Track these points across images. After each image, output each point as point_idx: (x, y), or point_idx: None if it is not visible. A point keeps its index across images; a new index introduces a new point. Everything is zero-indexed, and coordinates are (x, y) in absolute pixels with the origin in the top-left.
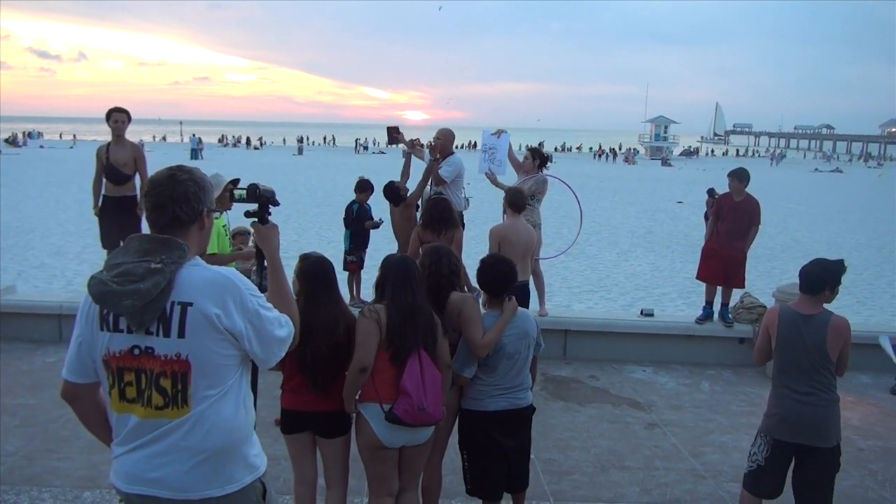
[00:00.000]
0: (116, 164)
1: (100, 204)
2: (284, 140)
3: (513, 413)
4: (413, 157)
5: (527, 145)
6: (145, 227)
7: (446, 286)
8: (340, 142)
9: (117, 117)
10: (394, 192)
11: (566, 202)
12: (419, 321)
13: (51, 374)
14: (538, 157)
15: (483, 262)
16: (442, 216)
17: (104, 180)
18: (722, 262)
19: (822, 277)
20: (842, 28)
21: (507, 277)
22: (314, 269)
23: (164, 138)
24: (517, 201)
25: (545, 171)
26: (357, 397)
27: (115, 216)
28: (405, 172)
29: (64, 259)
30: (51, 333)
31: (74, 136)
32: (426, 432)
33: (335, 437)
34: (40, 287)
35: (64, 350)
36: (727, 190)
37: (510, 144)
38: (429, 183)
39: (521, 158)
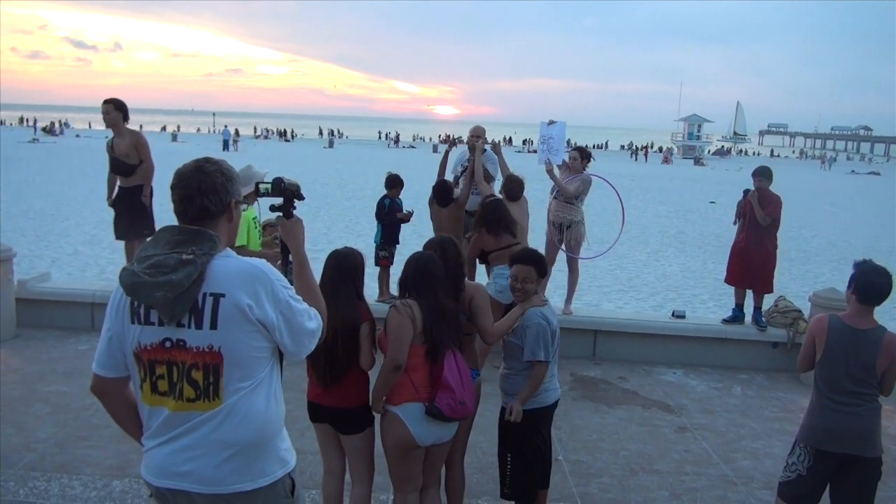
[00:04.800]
0: (119, 156)
1: (115, 196)
2: (320, 131)
3: (556, 404)
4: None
5: (574, 144)
6: (155, 216)
7: (458, 275)
8: (371, 135)
9: (104, 108)
10: (447, 192)
11: (597, 201)
12: (450, 318)
13: (83, 362)
14: (585, 157)
15: (519, 258)
16: (500, 219)
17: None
18: (749, 264)
19: (887, 288)
20: (880, 28)
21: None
22: (329, 263)
23: (197, 130)
24: (511, 190)
25: (589, 171)
26: (384, 400)
27: (125, 207)
28: (443, 170)
29: (98, 247)
30: (83, 321)
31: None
32: (453, 429)
33: (351, 433)
34: (74, 275)
35: (96, 338)
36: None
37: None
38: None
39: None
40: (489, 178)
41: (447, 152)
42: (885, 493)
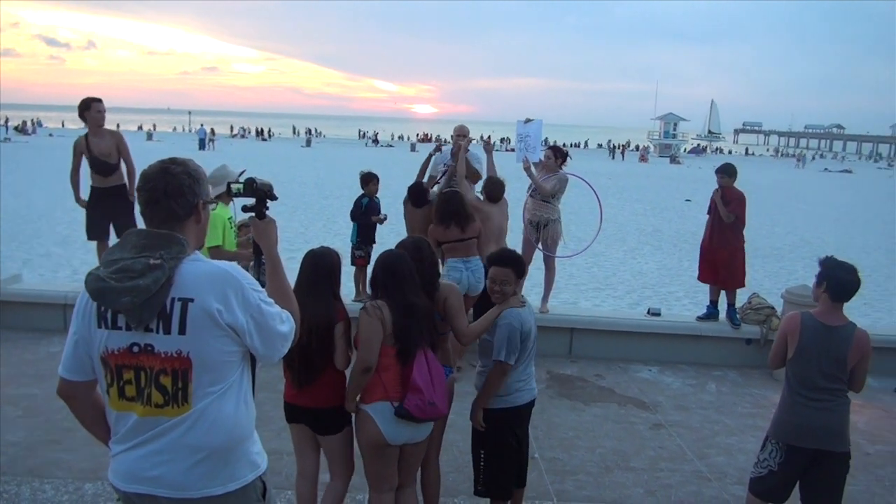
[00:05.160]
0: (101, 155)
1: (84, 195)
2: (294, 129)
3: (531, 405)
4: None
5: (552, 142)
6: (139, 213)
7: (434, 276)
8: (348, 134)
9: (100, 107)
10: (422, 193)
11: (574, 200)
12: (421, 317)
13: (55, 364)
14: (559, 156)
15: (497, 259)
16: (453, 212)
17: (91, 172)
18: (716, 261)
19: (856, 284)
20: (854, 28)
21: (525, 267)
22: (305, 262)
23: (174, 129)
24: (492, 192)
25: (565, 169)
26: (358, 398)
27: (106, 206)
28: (423, 171)
29: (70, 248)
30: (56, 323)
31: (63, 122)
32: (427, 429)
33: (328, 434)
34: (46, 276)
35: None
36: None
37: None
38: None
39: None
40: (476, 177)
41: (431, 155)
42: (855, 488)
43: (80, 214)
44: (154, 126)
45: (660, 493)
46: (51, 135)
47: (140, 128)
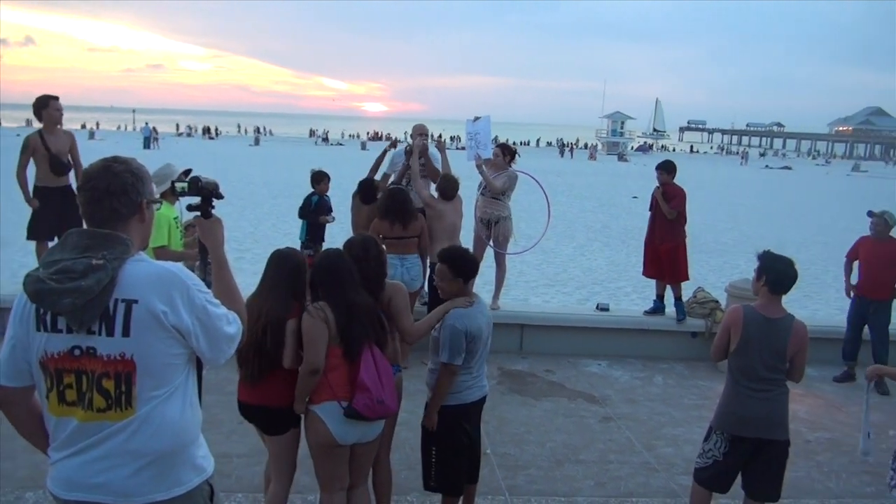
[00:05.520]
0: (60, 154)
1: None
2: (239, 127)
3: (482, 402)
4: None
5: (496, 141)
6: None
7: (379, 275)
8: (297, 132)
9: (58, 105)
10: (371, 190)
11: (523, 197)
12: (363, 315)
13: None
14: (508, 153)
15: (451, 253)
16: (396, 209)
17: (44, 171)
18: (659, 256)
19: (794, 277)
20: (795, 28)
21: (475, 260)
22: (269, 261)
23: (119, 127)
24: (446, 190)
25: (514, 167)
26: (307, 399)
27: (59, 207)
28: (375, 168)
29: (10, 250)
30: None
31: (28, 121)
32: (377, 428)
33: (275, 434)
34: None
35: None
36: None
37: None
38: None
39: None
40: (436, 175)
41: (384, 152)
42: (796, 474)
43: (16, 214)
44: (97, 124)
45: (609, 485)
46: None
47: (84, 126)
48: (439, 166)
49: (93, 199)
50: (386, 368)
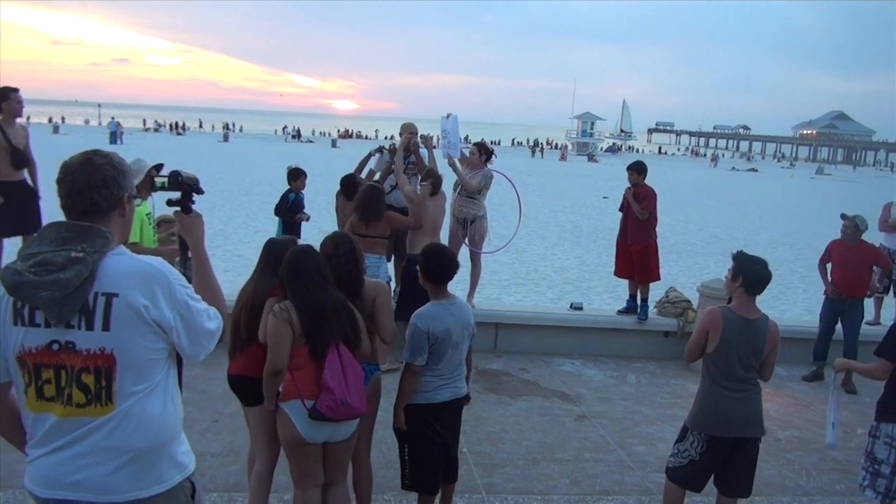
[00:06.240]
0: (20, 147)
1: None
2: (200, 123)
3: (455, 402)
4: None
5: (468, 140)
6: (44, 213)
7: (352, 272)
8: (268, 129)
9: (19, 97)
10: (352, 186)
11: (496, 197)
12: (331, 315)
13: None
14: (484, 153)
15: (428, 251)
16: (369, 205)
17: (7, 164)
18: (630, 256)
19: (769, 277)
20: (758, 31)
21: (453, 266)
22: (263, 248)
23: (86, 122)
24: (431, 186)
25: (490, 166)
26: (278, 396)
27: (18, 203)
28: (360, 168)
29: None
30: None
31: None
32: (348, 427)
33: (249, 405)
34: None
35: None
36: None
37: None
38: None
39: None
40: (424, 170)
41: (370, 153)
42: (767, 472)
43: None
44: (63, 118)
45: (585, 483)
46: None
47: (50, 120)
48: (426, 161)
49: (73, 191)
50: (354, 369)
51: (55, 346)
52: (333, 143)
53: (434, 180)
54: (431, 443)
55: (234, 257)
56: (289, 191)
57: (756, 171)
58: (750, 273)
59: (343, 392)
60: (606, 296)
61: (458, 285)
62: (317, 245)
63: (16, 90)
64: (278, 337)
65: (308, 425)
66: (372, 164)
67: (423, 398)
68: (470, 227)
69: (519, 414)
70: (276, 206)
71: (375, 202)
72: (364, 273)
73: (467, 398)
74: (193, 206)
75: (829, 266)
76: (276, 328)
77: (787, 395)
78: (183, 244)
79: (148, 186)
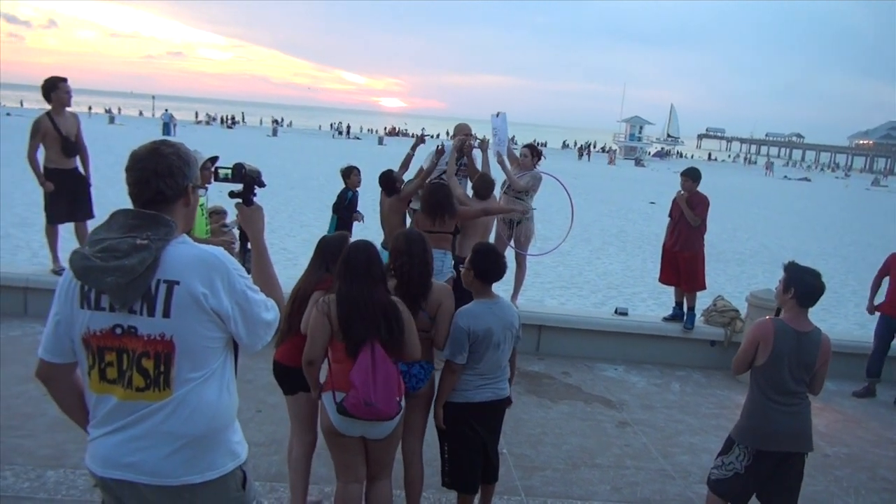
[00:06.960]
0: (70, 135)
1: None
2: (244, 117)
3: (495, 403)
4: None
5: (515, 140)
6: (96, 201)
7: (423, 273)
8: (315, 125)
9: (67, 87)
10: (390, 181)
11: (541, 198)
12: (369, 313)
13: (14, 349)
14: (535, 154)
15: (479, 249)
16: (439, 203)
17: (54, 153)
18: (677, 264)
19: (822, 289)
20: (814, 38)
21: (501, 265)
22: (317, 245)
23: (140, 113)
24: (481, 189)
25: (539, 168)
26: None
27: (70, 190)
28: (405, 164)
29: (29, 231)
30: (15, 307)
31: (21, 101)
32: (382, 428)
33: (286, 393)
34: (5, 258)
35: (29, 324)
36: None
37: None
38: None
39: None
40: (475, 174)
41: (414, 148)
42: (814, 488)
43: (38, 195)
44: (119, 109)
45: (625, 490)
46: (9, 114)
47: (108, 111)
48: (479, 165)
49: (140, 179)
50: (386, 371)
51: (118, 331)
52: (380, 141)
53: (480, 185)
54: (470, 441)
55: (280, 251)
56: (345, 189)
57: (809, 180)
58: (802, 284)
59: (368, 392)
60: (651, 302)
61: (501, 286)
62: (376, 242)
63: (64, 80)
64: (316, 329)
65: (339, 418)
66: (426, 162)
67: (463, 396)
68: (516, 228)
69: (560, 418)
70: (335, 204)
71: (446, 199)
72: (432, 275)
73: (508, 401)
74: (255, 199)
75: (885, 281)
76: (315, 321)
77: (837, 410)
78: (243, 235)
79: (204, 177)
